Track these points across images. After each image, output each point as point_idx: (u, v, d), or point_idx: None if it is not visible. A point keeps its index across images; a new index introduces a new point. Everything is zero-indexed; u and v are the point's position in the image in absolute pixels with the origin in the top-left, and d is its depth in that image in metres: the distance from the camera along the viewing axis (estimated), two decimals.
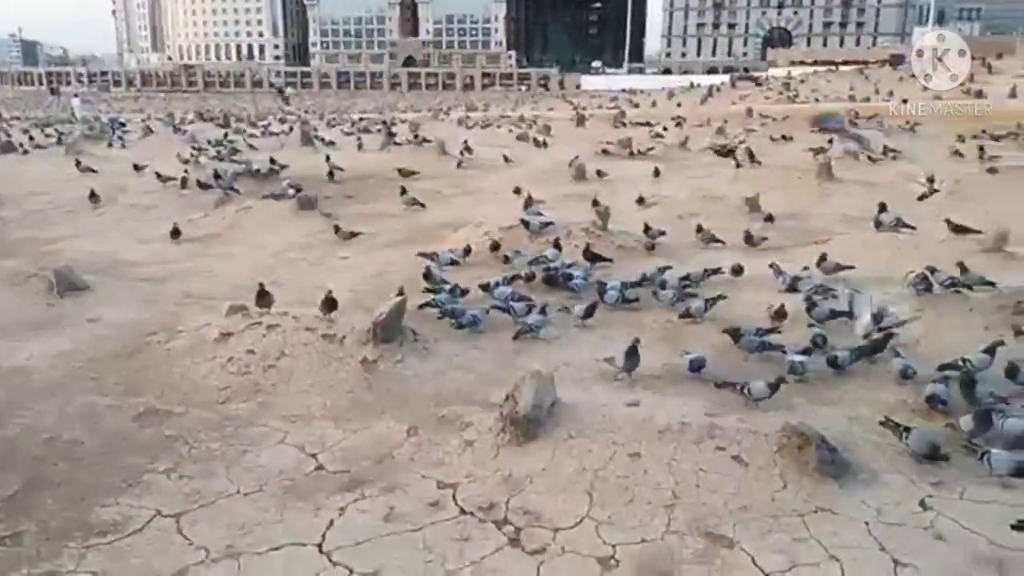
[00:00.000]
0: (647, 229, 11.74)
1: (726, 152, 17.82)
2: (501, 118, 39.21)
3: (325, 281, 10.30)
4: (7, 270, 10.05)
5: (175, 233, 12.43)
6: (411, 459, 5.62)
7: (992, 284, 8.45)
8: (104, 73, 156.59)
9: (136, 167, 17.83)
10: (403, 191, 15.30)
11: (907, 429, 5.37)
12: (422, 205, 14.90)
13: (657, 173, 17.67)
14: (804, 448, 5.14)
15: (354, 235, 12.39)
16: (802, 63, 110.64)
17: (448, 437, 5.84)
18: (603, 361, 6.91)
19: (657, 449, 5.27)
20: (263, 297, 8.00)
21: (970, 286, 8.45)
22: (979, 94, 35.11)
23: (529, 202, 14.11)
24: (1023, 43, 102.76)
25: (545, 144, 23.60)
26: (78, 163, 18.39)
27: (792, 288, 9.06)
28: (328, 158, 19.58)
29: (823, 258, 9.64)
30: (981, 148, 19.99)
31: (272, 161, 18.46)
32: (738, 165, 18.55)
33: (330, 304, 7.74)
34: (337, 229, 12.47)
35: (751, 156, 18.65)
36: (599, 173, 17.74)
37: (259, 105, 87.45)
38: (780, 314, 8.01)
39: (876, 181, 16.89)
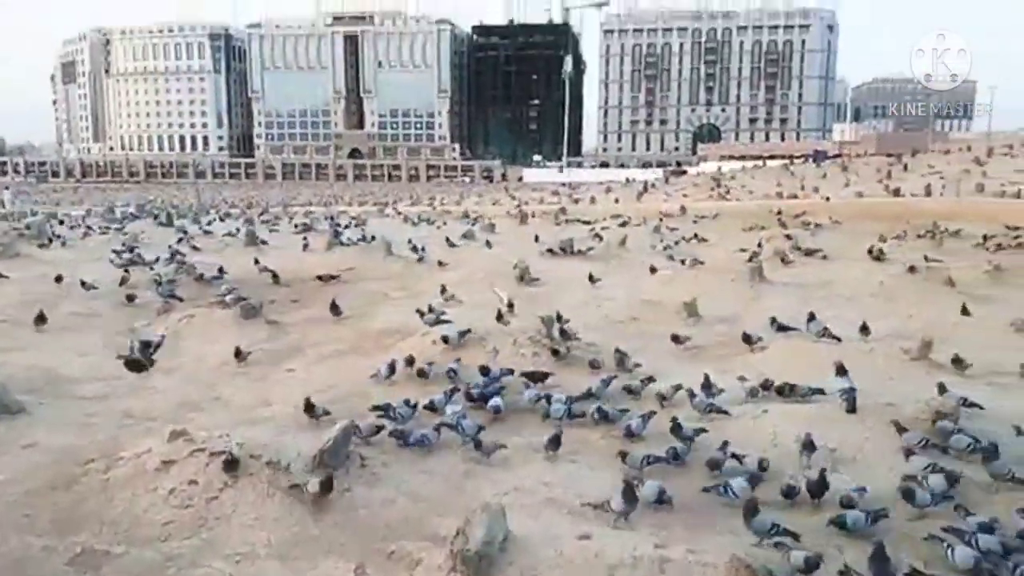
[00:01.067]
0: (555, 353, 11.26)
1: None
2: (446, 213, 39.87)
3: (270, 397, 10.26)
4: None
5: (136, 365, 11.17)
6: None
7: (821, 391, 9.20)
8: (43, 163, 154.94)
9: (58, 279, 16.53)
10: (333, 306, 14.59)
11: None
12: (338, 312, 14.52)
13: (592, 279, 17.75)
14: None
15: (242, 354, 11.84)
16: (731, 157, 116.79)
17: None
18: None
19: None
20: (231, 466, 7.07)
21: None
22: (896, 192, 37.37)
23: (430, 309, 13.58)
24: (934, 140, 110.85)
25: (489, 244, 24.05)
26: None
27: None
28: (257, 261, 19.50)
29: (768, 384, 9.84)
30: (879, 250, 20.84)
31: (220, 270, 18.14)
32: (653, 271, 19.01)
33: (327, 486, 6.91)
34: (238, 353, 11.77)
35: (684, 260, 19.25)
36: (534, 281, 18.01)
37: (202, 196, 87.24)
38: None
39: (805, 282, 17.67)
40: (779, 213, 30.39)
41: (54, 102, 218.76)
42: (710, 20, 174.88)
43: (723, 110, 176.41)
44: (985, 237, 23.03)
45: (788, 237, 24.34)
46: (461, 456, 8.04)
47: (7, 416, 9.00)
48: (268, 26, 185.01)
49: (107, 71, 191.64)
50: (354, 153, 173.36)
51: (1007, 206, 30.77)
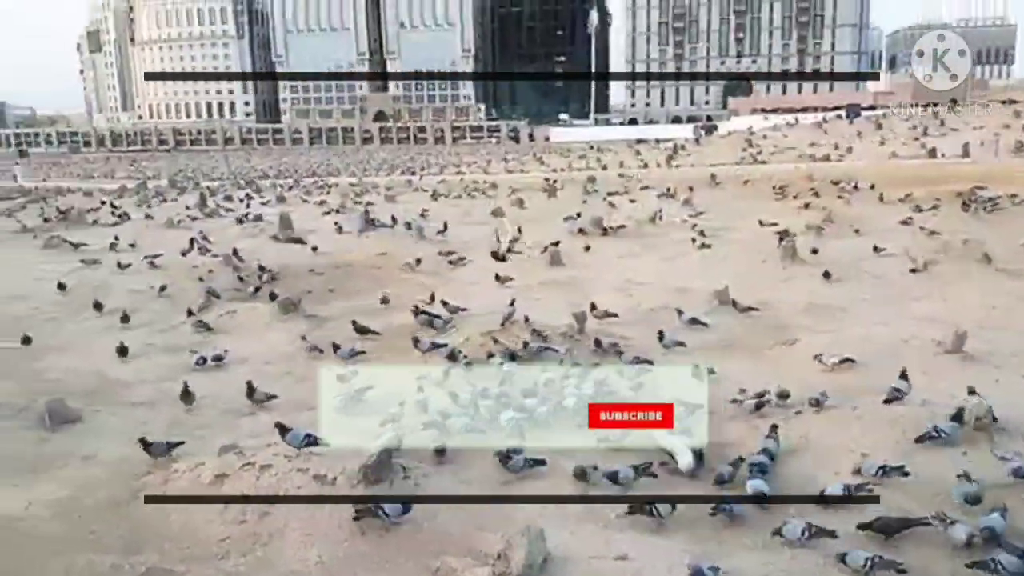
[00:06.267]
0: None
1: None
2: (473, 184, 39.66)
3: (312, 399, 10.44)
4: None
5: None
6: None
7: None
8: (74, 133, 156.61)
9: (61, 286, 16.31)
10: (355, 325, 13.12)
11: None
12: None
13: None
14: None
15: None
16: (763, 111, 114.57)
17: None
18: None
19: None
20: None
21: None
22: (932, 153, 36.39)
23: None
24: (973, 88, 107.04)
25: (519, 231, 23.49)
26: None
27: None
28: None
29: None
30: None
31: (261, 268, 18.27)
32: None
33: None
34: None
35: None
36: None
37: (231, 164, 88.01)
38: None
39: (837, 260, 17.44)
40: (811, 179, 29.85)
41: (81, 72, 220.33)
42: None
43: (754, 61, 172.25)
44: None
45: (822, 208, 24.02)
46: (495, 465, 8.29)
47: (65, 425, 9.46)
48: None
49: (132, 39, 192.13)
50: (379, 116, 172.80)
51: None
